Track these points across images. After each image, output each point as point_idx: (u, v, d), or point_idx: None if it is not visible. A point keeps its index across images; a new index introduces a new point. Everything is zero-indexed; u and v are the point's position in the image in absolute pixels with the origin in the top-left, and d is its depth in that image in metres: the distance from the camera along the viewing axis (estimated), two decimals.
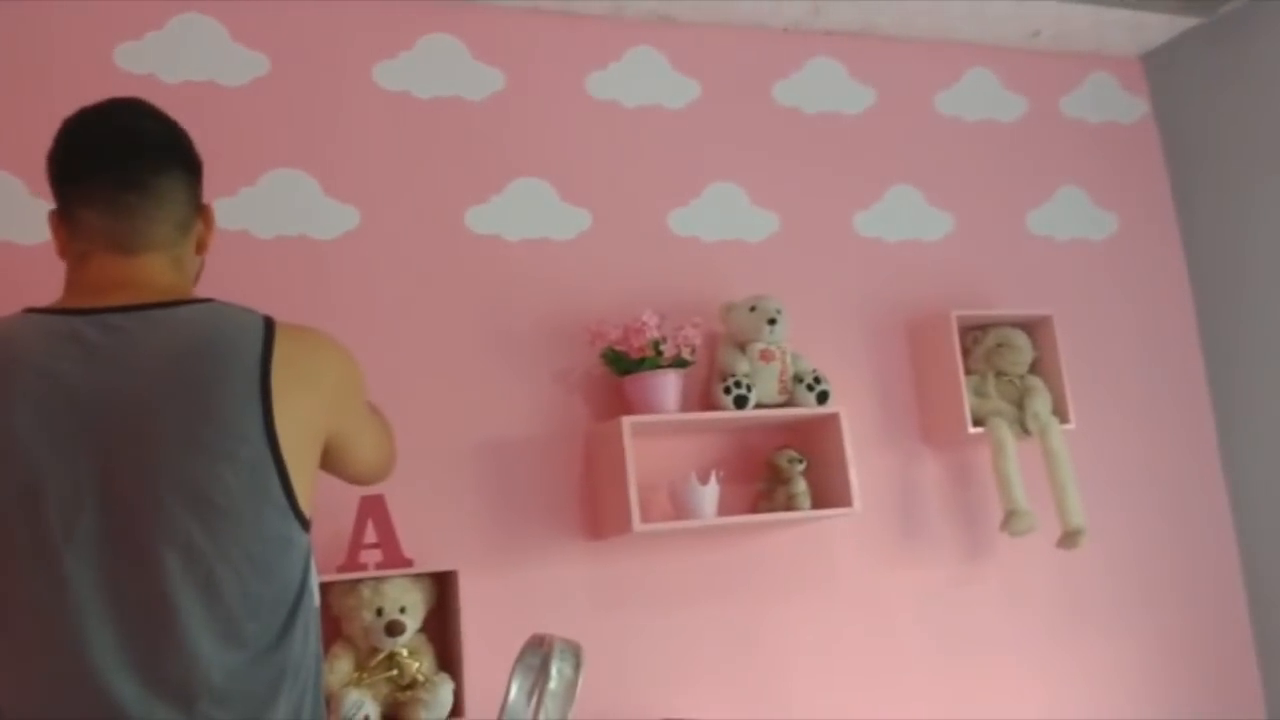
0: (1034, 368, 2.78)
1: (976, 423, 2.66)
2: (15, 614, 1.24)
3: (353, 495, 2.03)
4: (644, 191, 2.61)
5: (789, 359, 2.51)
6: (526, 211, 2.49)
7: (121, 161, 1.38)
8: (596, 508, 2.39)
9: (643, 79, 2.67)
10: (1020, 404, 2.72)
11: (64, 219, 1.40)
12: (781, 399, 2.49)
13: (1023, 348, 2.76)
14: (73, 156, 1.40)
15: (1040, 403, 2.71)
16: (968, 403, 2.65)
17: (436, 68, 2.48)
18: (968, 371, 2.71)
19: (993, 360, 2.75)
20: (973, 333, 2.79)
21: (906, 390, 2.76)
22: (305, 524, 1.36)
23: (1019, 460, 2.64)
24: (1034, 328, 2.80)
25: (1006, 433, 2.65)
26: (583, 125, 2.59)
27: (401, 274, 2.36)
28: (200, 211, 1.47)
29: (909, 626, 2.61)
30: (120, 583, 1.24)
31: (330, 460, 1.46)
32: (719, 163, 2.70)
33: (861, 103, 2.89)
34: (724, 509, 2.40)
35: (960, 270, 2.88)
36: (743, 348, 2.49)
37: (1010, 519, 2.61)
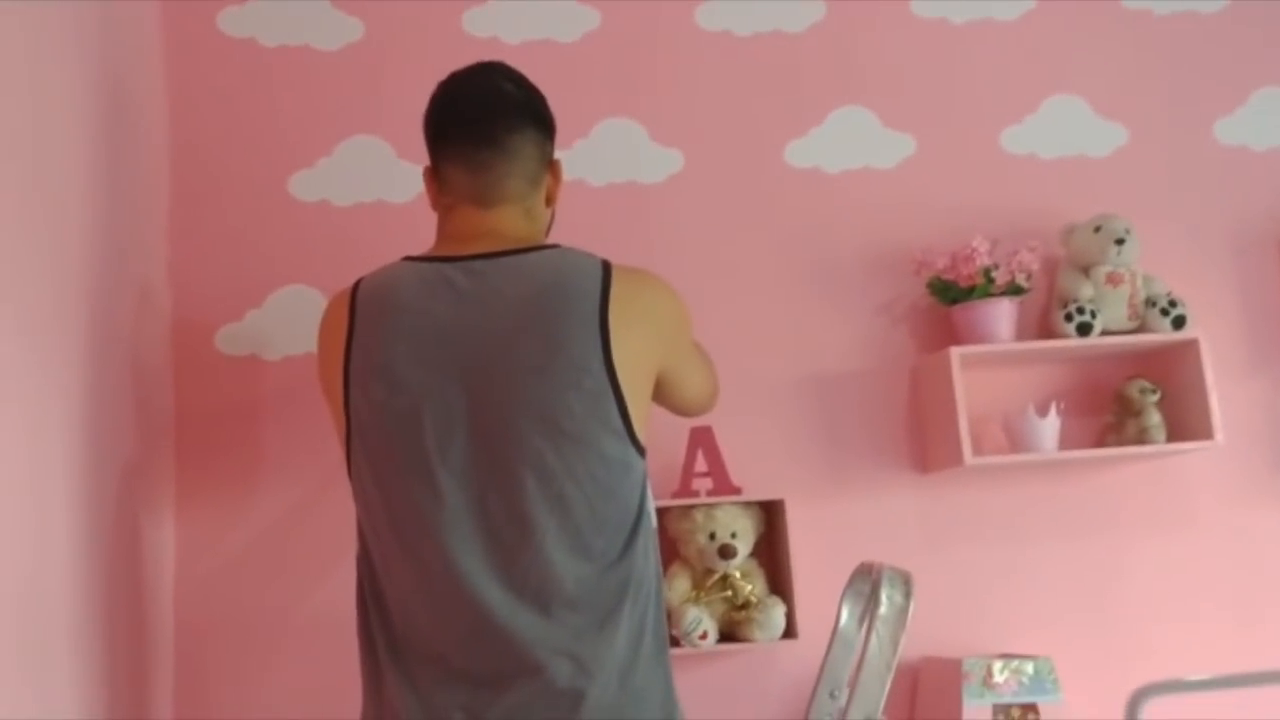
0: None
1: None
2: (402, 522, 1.42)
3: (684, 426, 2.13)
4: (973, 110, 2.51)
5: (1140, 281, 2.34)
6: (847, 141, 2.46)
7: (479, 121, 1.53)
8: (925, 440, 2.35)
9: None
10: None
11: (435, 175, 1.58)
12: (1131, 325, 2.33)
13: None
14: (440, 117, 1.56)
15: None
16: None
17: (758, 3, 2.49)
18: None
19: None
20: None
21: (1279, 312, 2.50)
22: (641, 450, 1.46)
23: None
24: None
25: None
26: (907, 47, 2.52)
27: (725, 212, 2.42)
28: (550, 166, 1.59)
29: None
30: (485, 499, 1.39)
31: (660, 393, 1.55)
32: (1058, 74, 2.54)
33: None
34: (1066, 442, 2.29)
35: None
36: (1086, 271, 2.35)
37: None
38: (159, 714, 2.02)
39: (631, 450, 1.44)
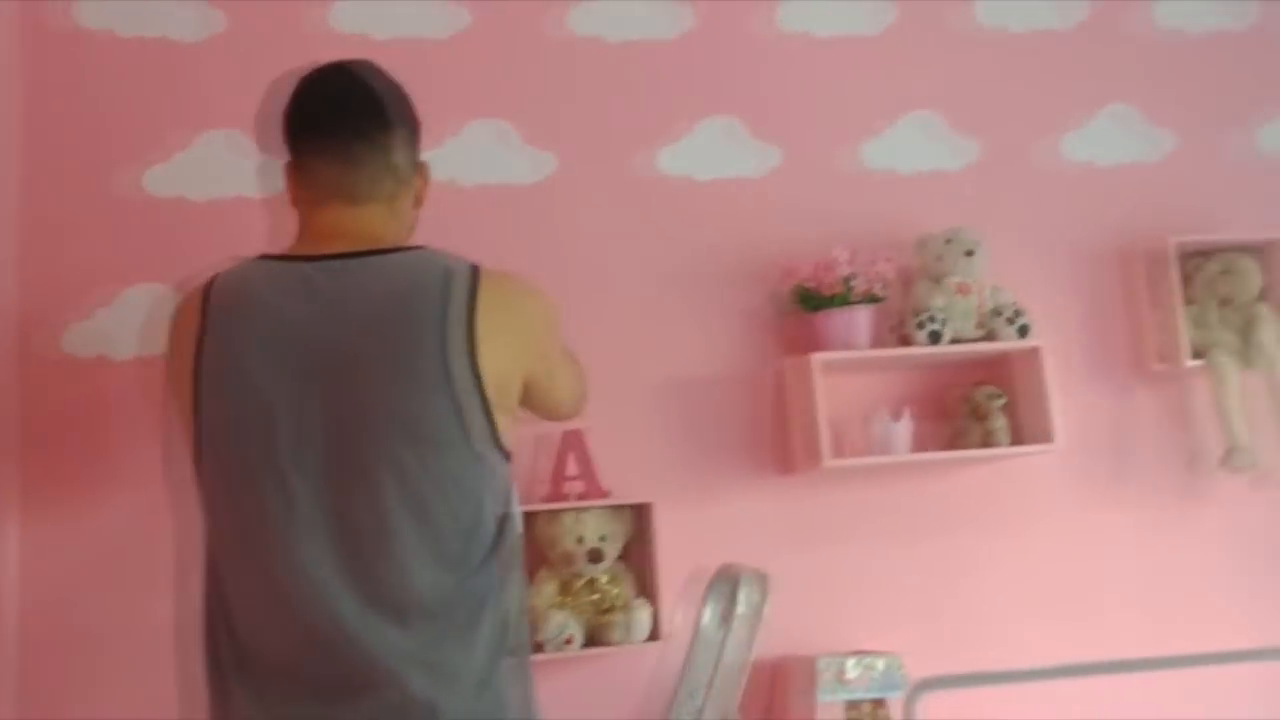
0: (1263, 296, 2.60)
1: (1196, 355, 2.52)
2: (252, 530, 1.39)
3: (555, 430, 2.15)
4: (837, 124, 2.58)
5: (988, 292, 2.45)
6: (717, 150, 2.50)
7: (353, 116, 1.52)
8: (787, 443, 2.42)
9: (836, 7, 2.61)
10: (1245, 335, 2.55)
11: (298, 170, 1.55)
12: (979, 333, 2.43)
13: (1250, 273, 2.58)
14: (309, 109, 1.54)
15: (1267, 333, 2.53)
16: (1185, 333, 2.51)
17: (628, 10, 2.51)
18: (1187, 301, 2.57)
19: (1216, 288, 2.59)
20: (1194, 260, 2.63)
21: (1120, 322, 2.64)
22: (507, 456, 1.46)
23: (1242, 394, 2.49)
24: (1264, 253, 2.61)
25: (1228, 364, 2.51)
26: (774, 59, 2.57)
27: (597, 217, 2.44)
28: (418, 168, 1.59)
29: (1116, 567, 2.52)
30: (341, 505, 1.37)
31: (527, 398, 1.56)
32: (917, 90, 2.63)
33: (1072, 17, 2.74)
34: (918, 445, 2.39)
35: (1183, 193, 2.71)
36: (938, 282, 2.44)
37: (1230, 455, 2.48)
38: None
39: (496, 456, 1.45)
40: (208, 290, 1.46)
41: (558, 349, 1.62)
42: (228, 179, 2.27)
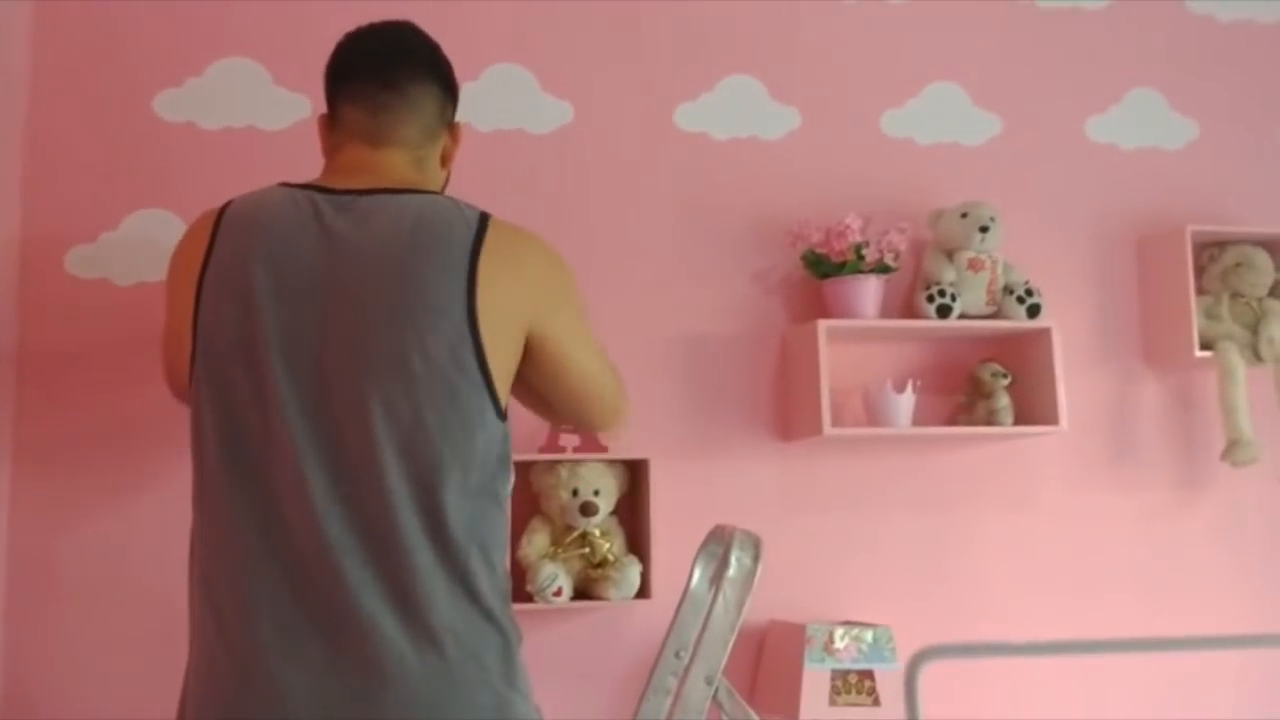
0: (1274, 291, 2.58)
1: (1205, 346, 2.50)
2: (242, 448, 1.38)
3: None
4: (857, 90, 2.54)
5: (1000, 269, 2.43)
6: (736, 109, 2.47)
7: (386, 67, 1.54)
8: (788, 409, 2.40)
9: None
10: (1255, 329, 2.54)
11: (330, 119, 1.57)
12: (989, 310, 2.41)
13: (1264, 268, 2.56)
14: (345, 59, 1.57)
15: (1278, 328, 2.52)
16: (1196, 324, 2.49)
17: None
18: (1200, 291, 2.55)
19: (1229, 280, 2.58)
20: (1209, 250, 2.61)
21: (1130, 308, 2.62)
22: (499, 407, 1.42)
23: (1249, 388, 2.48)
24: (1278, 248, 2.59)
25: (1237, 358, 2.49)
26: (798, 21, 2.53)
27: (611, 169, 2.41)
28: (450, 128, 1.60)
29: (1112, 552, 2.52)
30: (331, 433, 1.36)
31: (543, 369, 1.50)
32: (940, 61, 2.60)
33: None
34: (920, 419, 2.37)
35: (1201, 182, 2.69)
36: (950, 255, 2.42)
37: (1233, 448, 2.46)
38: None
39: (489, 402, 1.41)
40: (223, 211, 1.48)
41: (573, 314, 1.55)
42: (240, 108, 2.24)
